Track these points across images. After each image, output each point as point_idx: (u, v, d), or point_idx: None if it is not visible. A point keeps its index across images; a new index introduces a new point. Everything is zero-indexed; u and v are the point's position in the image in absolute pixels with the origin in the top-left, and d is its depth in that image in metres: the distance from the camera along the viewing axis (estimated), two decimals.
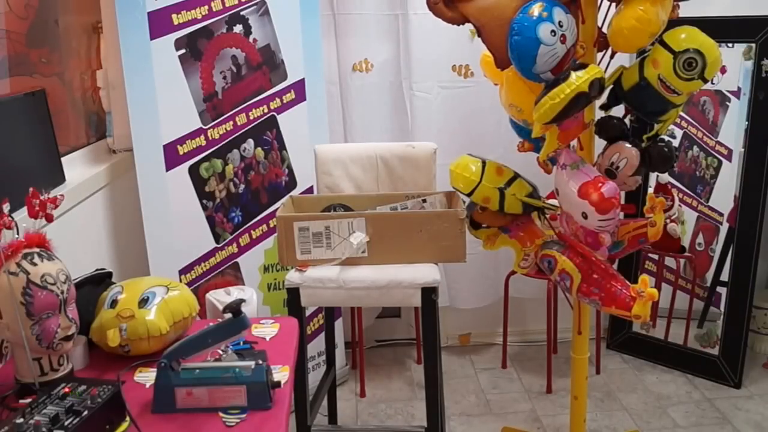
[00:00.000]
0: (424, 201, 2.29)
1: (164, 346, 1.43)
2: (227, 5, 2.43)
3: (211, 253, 2.48)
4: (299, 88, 2.68)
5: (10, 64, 1.83)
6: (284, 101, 2.64)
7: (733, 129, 2.95)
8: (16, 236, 1.26)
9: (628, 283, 1.81)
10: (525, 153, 2.05)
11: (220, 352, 1.34)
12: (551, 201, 2.05)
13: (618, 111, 1.95)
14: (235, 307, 1.28)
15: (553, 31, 1.68)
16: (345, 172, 2.46)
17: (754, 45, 2.73)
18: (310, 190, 2.72)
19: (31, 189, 1.27)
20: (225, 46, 2.45)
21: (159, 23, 2.24)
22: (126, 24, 2.19)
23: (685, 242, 3.10)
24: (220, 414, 1.26)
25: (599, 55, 1.87)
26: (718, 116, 3.00)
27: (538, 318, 3.10)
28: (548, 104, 1.66)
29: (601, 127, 1.94)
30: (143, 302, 1.48)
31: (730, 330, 2.87)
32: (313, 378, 2.54)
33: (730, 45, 2.81)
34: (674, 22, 1.76)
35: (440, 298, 2.19)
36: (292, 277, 2.10)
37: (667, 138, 1.95)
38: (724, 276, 2.93)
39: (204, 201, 2.44)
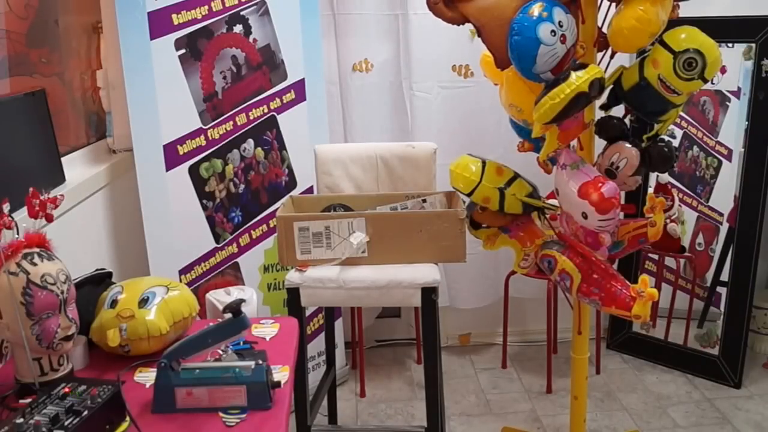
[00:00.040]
0: (424, 201, 2.29)
1: (164, 346, 1.43)
2: (227, 5, 2.43)
3: (211, 253, 2.48)
4: (299, 88, 2.68)
5: (10, 64, 1.83)
6: (284, 101, 2.64)
7: (733, 129, 2.95)
8: (16, 236, 1.26)
9: (628, 283, 1.81)
10: (525, 153, 2.05)
11: (220, 352, 1.34)
12: (551, 201, 2.05)
13: (618, 111, 1.95)
14: (235, 307, 1.28)
15: (553, 31, 1.68)
16: (345, 172, 2.46)
17: (754, 45, 2.73)
18: (310, 190, 2.72)
19: (31, 189, 1.27)
20: (225, 46, 2.45)
21: (159, 23, 2.24)
22: (126, 24, 2.19)
23: (685, 242, 3.10)
24: (220, 414, 1.26)
25: (599, 55, 1.87)
26: (718, 116, 3.00)
27: (538, 318, 3.10)
28: (548, 104, 1.66)
29: (601, 127, 1.94)
30: (143, 302, 1.48)
31: (730, 330, 2.87)
32: (313, 378, 2.54)
33: (730, 45, 2.81)
34: (674, 22, 1.76)
35: (440, 298, 2.19)
36: (292, 277, 2.10)
37: (667, 138, 1.95)
38: (724, 276, 2.93)
39: (204, 201, 2.44)
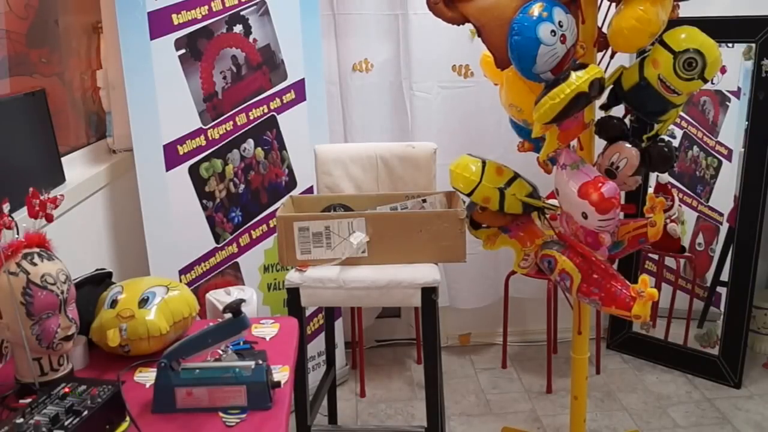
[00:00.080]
0: (424, 201, 2.29)
1: (164, 346, 1.43)
2: (227, 5, 2.43)
3: (211, 253, 2.48)
4: (299, 88, 2.68)
5: (10, 64, 1.83)
6: (284, 101, 2.64)
7: (733, 129, 2.95)
8: (16, 236, 1.26)
9: (628, 283, 1.81)
10: (525, 153, 2.05)
11: (220, 352, 1.34)
12: (551, 201, 2.05)
13: (618, 111, 1.95)
14: (235, 307, 1.28)
15: (553, 31, 1.68)
16: (345, 172, 2.46)
17: (754, 45, 2.73)
18: (310, 190, 2.72)
19: (31, 189, 1.27)
20: (225, 46, 2.45)
21: (159, 23, 2.24)
22: (126, 24, 2.19)
23: (685, 242, 3.10)
24: (220, 414, 1.26)
25: (599, 55, 1.87)
26: (718, 116, 3.00)
27: (538, 318, 3.10)
28: (548, 104, 1.66)
29: (601, 127, 1.94)
30: (143, 302, 1.48)
31: (730, 330, 2.87)
32: (313, 378, 2.54)
33: (730, 45, 2.81)
34: (674, 22, 1.76)
35: (440, 298, 2.19)
36: (292, 277, 2.10)
37: (667, 138, 1.95)
38: (724, 276, 2.93)
39: (204, 201, 2.44)
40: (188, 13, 2.32)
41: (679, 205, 3.09)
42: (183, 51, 2.32)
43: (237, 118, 2.50)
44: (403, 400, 2.90)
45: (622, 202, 1.86)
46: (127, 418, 1.21)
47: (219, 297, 1.96)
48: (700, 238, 3.09)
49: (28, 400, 1.17)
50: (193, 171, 2.39)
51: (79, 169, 2.15)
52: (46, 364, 1.30)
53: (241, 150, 2.53)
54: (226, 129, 2.47)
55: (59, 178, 1.94)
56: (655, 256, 3.14)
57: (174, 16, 2.28)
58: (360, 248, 2.09)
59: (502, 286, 3.06)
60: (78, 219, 1.98)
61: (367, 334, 3.16)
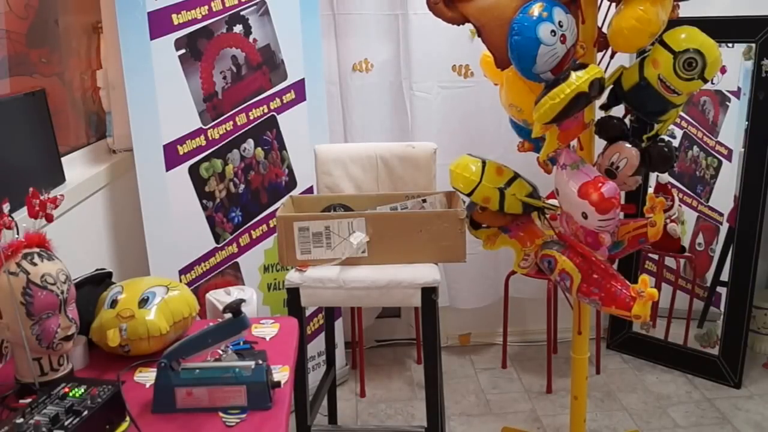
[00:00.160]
0: (424, 201, 2.29)
1: (164, 346, 1.43)
2: (227, 5, 2.43)
3: (211, 253, 2.48)
4: (299, 88, 2.68)
5: (10, 64, 1.83)
6: (284, 101, 2.64)
7: (733, 129, 2.95)
8: (16, 236, 1.26)
9: (628, 283, 1.81)
10: (525, 153, 2.05)
11: (220, 352, 1.34)
12: (551, 201, 2.05)
13: (618, 111, 1.95)
14: (235, 307, 1.28)
15: (553, 31, 1.68)
16: (345, 172, 2.46)
17: (754, 45, 2.73)
18: (310, 190, 2.72)
19: (31, 189, 1.27)
20: (225, 46, 2.45)
21: (159, 23, 2.24)
22: (126, 24, 2.19)
23: (685, 242, 3.10)
24: (220, 414, 1.26)
25: (599, 55, 1.87)
26: (718, 116, 3.00)
27: (538, 318, 3.10)
28: (548, 104, 1.66)
29: (601, 127, 1.94)
30: (143, 302, 1.48)
31: (730, 330, 2.87)
32: (313, 378, 2.54)
33: (730, 45, 2.81)
34: (674, 22, 1.76)
35: (440, 298, 2.19)
36: (292, 277, 2.10)
37: (667, 138, 1.95)
38: (724, 276, 2.93)
39: (204, 201, 2.44)
40: (188, 13, 2.32)
41: (679, 205, 3.09)
42: (183, 51, 2.32)
43: (237, 118, 2.50)
44: (403, 400, 2.90)
45: (622, 202, 1.86)
46: (127, 418, 1.21)
47: (219, 297, 1.96)
48: (700, 238, 3.09)
49: (28, 400, 1.17)
50: (193, 171, 2.39)
51: (79, 169, 2.14)
52: (46, 364, 1.30)
53: (241, 150, 2.53)
54: (226, 129, 2.47)
55: (59, 178, 1.94)
56: (655, 256, 3.14)
57: (174, 16, 2.28)
58: (360, 248, 2.09)
59: (502, 286, 3.06)
60: (78, 219, 1.98)
61: (367, 334, 3.16)
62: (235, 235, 2.56)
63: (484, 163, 1.97)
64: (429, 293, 2.06)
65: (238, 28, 2.48)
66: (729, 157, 2.97)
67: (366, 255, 2.11)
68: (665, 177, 3.03)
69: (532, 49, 1.69)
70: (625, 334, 3.20)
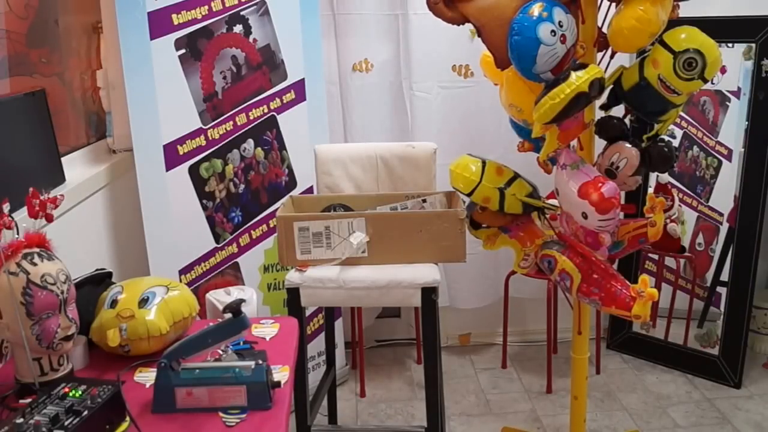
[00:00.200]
0: (424, 201, 2.29)
1: (164, 346, 1.43)
2: (227, 5, 2.43)
3: (211, 253, 2.48)
4: (299, 88, 2.68)
5: (10, 64, 1.83)
6: (284, 101, 2.64)
7: (733, 129, 2.95)
8: (16, 236, 1.26)
9: (628, 283, 1.81)
10: (525, 153, 2.05)
11: (220, 352, 1.34)
12: (551, 201, 2.05)
13: (618, 111, 1.95)
14: (235, 307, 1.28)
15: (553, 31, 1.68)
16: (345, 172, 2.46)
17: (754, 45, 2.73)
18: (310, 190, 2.72)
19: (31, 189, 1.27)
20: (225, 46, 2.45)
21: (159, 23, 2.24)
22: (126, 24, 2.19)
23: (685, 242, 3.10)
24: (220, 414, 1.26)
25: (599, 55, 1.87)
26: (718, 116, 3.00)
27: (538, 318, 3.10)
28: (548, 104, 1.66)
29: (601, 127, 1.94)
30: (143, 302, 1.48)
31: (730, 330, 2.87)
32: (313, 378, 2.54)
33: (730, 45, 2.81)
34: (674, 22, 1.76)
35: (440, 298, 2.19)
36: (292, 277, 2.10)
37: (667, 138, 1.95)
38: (724, 276, 2.93)
39: (204, 201, 2.44)
40: (188, 13, 2.32)
41: (679, 205, 3.09)
42: (183, 51, 2.32)
43: (237, 118, 2.50)
44: (403, 400, 2.90)
45: (622, 202, 1.86)
46: (127, 418, 1.21)
47: (219, 297, 1.96)
48: (700, 238, 3.09)
49: (28, 400, 1.17)
50: (193, 171, 2.39)
51: (79, 169, 2.15)
52: (46, 364, 1.30)
53: (241, 150, 2.53)
54: (226, 129, 2.47)
55: (59, 178, 1.94)
56: (655, 256, 3.14)
57: (174, 16, 2.28)
58: (360, 248, 2.09)
59: (502, 286, 3.06)
60: (78, 219, 1.98)
61: (367, 334, 3.16)
62: (235, 235, 2.56)
63: (484, 163, 1.97)
64: (429, 293, 2.06)
65: (238, 28, 2.48)
66: (729, 157, 2.97)
67: (366, 255, 2.11)
68: (665, 177, 3.03)
69: (532, 49, 1.69)
70: (625, 334, 3.20)
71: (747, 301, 2.82)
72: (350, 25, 2.91)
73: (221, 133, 2.46)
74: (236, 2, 2.45)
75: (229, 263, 2.55)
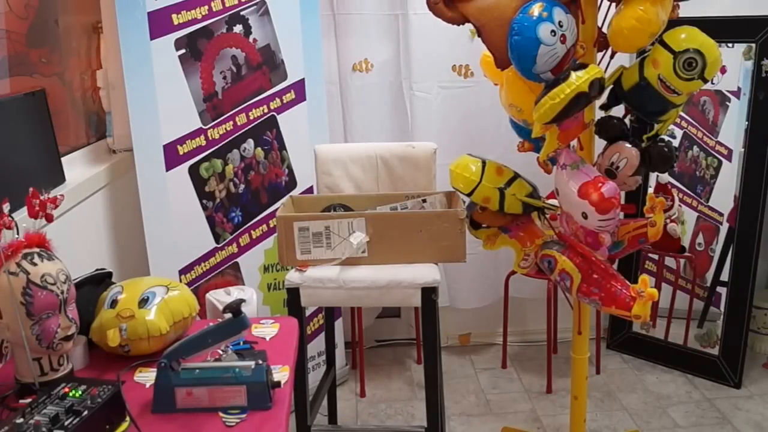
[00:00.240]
0: (424, 201, 2.29)
1: (164, 346, 1.43)
2: (227, 5, 2.43)
3: (211, 253, 2.48)
4: (299, 88, 2.68)
5: (10, 64, 1.83)
6: (284, 101, 2.64)
7: (733, 129, 2.95)
8: (16, 236, 1.26)
9: (628, 283, 1.81)
10: (525, 153, 2.05)
11: (220, 352, 1.34)
12: (551, 201, 2.05)
13: (618, 111, 1.95)
14: (235, 307, 1.28)
15: (553, 31, 1.68)
16: (345, 172, 2.46)
17: (754, 45, 2.73)
18: (310, 190, 2.72)
19: (31, 189, 1.27)
20: (225, 46, 2.45)
21: (159, 23, 2.24)
22: (126, 24, 2.19)
23: (685, 242, 3.10)
24: (220, 414, 1.26)
25: (599, 55, 1.87)
26: (718, 116, 3.00)
27: (538, 318, 3.10)
28: (548, 104, 1.66)
29: (601, 127, 1.94)
30: (143, 302, 1.48)
31: (730, 330, 2.87)
32: (313, 378, 2.54)
33: (730, 45, 2.81)
34: (674, 22, 1.76)
35: (440, 298, 2.19)
36: (292, 277, 2.10)
37: (667, 138, 1.95)
38: (724, 276, 2.93)
39: (204, 201, 2.44)
40: (188, 13, 2.32)
41: (679, 205, 3.09)
42: (183, 51, 2.32)
43: (237, 118, 2.50)
44: (403, 400, 2.90)
45: (622, 202, 1.86)
46: (127, 418, 1.21)
47: (219, 297, 1.96)
48: (700, 238, 3.09)
49: (28, 400, 1.17)
50: (193, 171, 2.39)
51: (79, 169, 2.15)
52: (46, 364, 1.30)
53: (241, 150, 2.53)
54: (226, 129, 2.47)
55: (59, 178, 1.94)
56: (655, 256, 3.14)
57: (174, 16, 2.28)
58: (360, 248, 2.09)
59: (502, 286, 3.06)
60: (78, 219, 1.98)
61: (367, 334, 3.16)
62: (235, 235, 2.56)
63: (484, 163, 1.97)
64: (429, 293, 2.06)
65: (238, 28, 2.48)
66: (729, 157, 2.97)
67: (366, 255, 2.11)
68: (665, 177, 3.03)
69: (532, 49, 1.69)
70: (625, 334, 3.20)
71: (747, 301, 2.82)
72: (350, 25, 2.91)
73: (221, 133, 2.46)
74: (236, 2, 2.45)
75: (229, 263, 2.55)
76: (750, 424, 2.64)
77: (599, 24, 1.85)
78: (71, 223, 1.90)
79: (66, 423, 1.09)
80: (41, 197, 1.28)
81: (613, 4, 1.80)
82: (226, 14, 2.43)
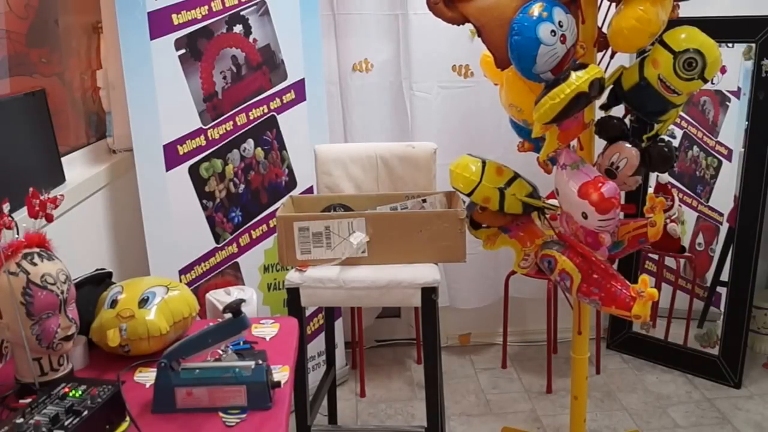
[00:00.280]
0: (424, 201, 2.29)
1: (164, 346, 1.43)
2: (227, 5, 2.43)
3: (211, 253, 2.48)
4: (299, 88, 2.68)
5: (10, 64, 1.83)
6: (284, 101, 2.64)
7: (733, 129, 2.95)
8: (16, 236, 1.26)
9: (628, 283, 1.81)
10: (525, 153, 2.05)
11: (220, 352, 1.34)
12: (551, 201, 2.05)
13: (618, 111, 1.95)
14: (235, 307, 1.28)
15: (553, 31, 1.68)
16: (345, 172, 2.46)
17: (754, 45, 2.73)
18: (310, 190, 2.72)
19: (31, 189, 1.27)
20: (225, 46, 2.45)
21: (159, 23, 2.24)
22: (126, 24, 2.19)
23: (685, 242, 3.10)
24: (220, 414, 1.26)
25: (599, 55, 1.87)
26: (718, 116, 3.00)
27: (538, 318, 3.10)
28: (548, 104, 1.66)
29: (601, 127, 1.94)
30: (143, 302, 1.48)
31: (730, 330, 2.87)
32: (313, 378, 2.54)
33: (730, 45, 2.81)
34: (674, 22, 1.76)
35: (440, 298, 2.19)
36: (292, 277, 2.10)
37: (667, 138, 1.95)
38: (724, 276, 2.93)
39: (204, 201, 2.44)
40: (188, 13, 2.32)
41: (679, 205, 3.09)
42: (183, 51, 2.32)
43: (237, 118, 2.50)
44: (403, 400, 2.90)
45: (622, 202, 1.86)
46: (127, 418, 1.21)
47: (219, 297, 1.96)
48: (700, 238, 3.09)
49: (28, 400, 1.17)
50: (193, 171, 2.39)
51: (79, 169, 2.15)
52: (46, 364, 1.30)
53: (241, 150, 2.53)
54: (226, 129, 2.47)
55: (59, 178, 1.94)
56: (655, 256, 3.14)
57: (174, 16, 2.28)
58: (360, 248, 2.09)
59: (502, 286, 3.06)
60: (78, 219, 1.98)
61: (367, 334, 3.16)
62: (235, 235, 2.56)
63: (484, 163, 1.97)
64: (429, 293, 2.06)
65: (238, 28, 2.48)
66: (729, 157, 2.97)
67: (366, 255, 2.11)
68: (665, 177, 3.03)
69: (532, 49, 1.69)
70: (625, 334, 3.20)
71: (747, 301, 2.82)
72: (350, 25, 2.91)
73: (221, 133, 2.46)
74: (236, 2, 2.45)
75: (229, 263, 2.55)
76: (750, 424, 2.64)
77: (599, 24, 1.85)
78: (71, 223, 1.90)
79: (66, 423, 1.09)
80: (41, 197, 1.28)
81: (613, 4, 1.80)
82: (226, 14, 2.43)
